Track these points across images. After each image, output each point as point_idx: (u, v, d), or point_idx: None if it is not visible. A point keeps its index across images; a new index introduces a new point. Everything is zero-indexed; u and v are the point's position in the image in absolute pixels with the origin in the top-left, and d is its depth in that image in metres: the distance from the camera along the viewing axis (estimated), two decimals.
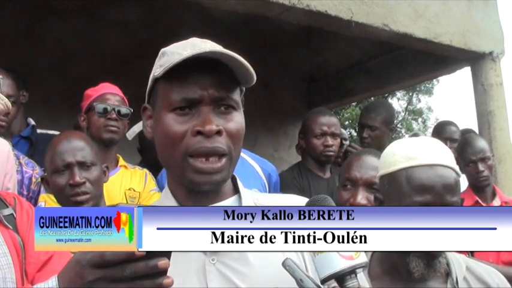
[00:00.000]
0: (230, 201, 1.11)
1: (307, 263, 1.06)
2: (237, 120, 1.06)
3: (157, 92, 1.08)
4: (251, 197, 1.14)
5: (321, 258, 0.93)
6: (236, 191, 1.14)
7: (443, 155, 1.38)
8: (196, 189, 1.06)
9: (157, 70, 1.06)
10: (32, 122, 3.07)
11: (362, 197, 1.81)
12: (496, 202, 3.12)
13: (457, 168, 1.41)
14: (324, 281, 0.93)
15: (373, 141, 3.35)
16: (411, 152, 1.39)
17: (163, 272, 0.80)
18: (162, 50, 1.11)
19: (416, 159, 1.37)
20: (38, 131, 3.04)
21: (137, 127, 2.95)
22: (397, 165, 1.40)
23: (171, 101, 1.03)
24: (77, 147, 1.99)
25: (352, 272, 0.92)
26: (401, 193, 1.37)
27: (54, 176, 1.97)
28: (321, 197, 0.99)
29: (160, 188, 2.55)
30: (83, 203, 1.94)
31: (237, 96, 1.07)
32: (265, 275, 1.02)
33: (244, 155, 2.67)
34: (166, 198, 1.12)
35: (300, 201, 1.18)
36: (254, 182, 2.55)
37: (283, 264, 0.94)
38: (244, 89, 1.13)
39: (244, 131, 1.09)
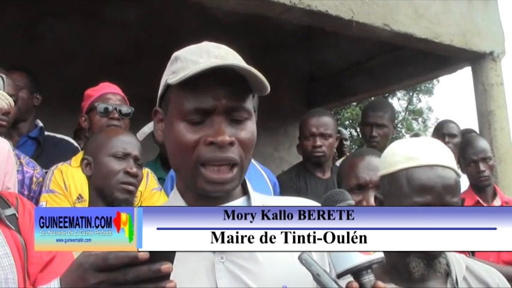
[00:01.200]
0: (239, 202, 1.11)
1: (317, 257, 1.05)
2: (249, 129, 1.06)
3: (170, 98, 1.08)
4: (259, 199, 1.15)
5: (338, 253, 0.92)
6: (245, 192, 1.14)
7: (443, 156, 1.38)
8: (206, 195, 1.06)
9: (170, 77, 1.06)
10: (40, 123, 3.08)
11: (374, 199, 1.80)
12: (497, 202, 3.12)
13: (457, 169, 1.40)
14: (340, 275, 0.93)
15: (382, 139, 3.33)
16: (412, 152, 1.39)
17: (166, 276, 0.80)
18: (175, 54, 1.10)
19: (416, 159, 1.37)
20: (46, 133, 3.04)
21: (147, 128, 2.96)
22: (398, 165, 1.39)
23: (184, 110, 1.03)
24: (136, 143, 2.11)
25: (368, 267, 0.91)
26: (402, 193, 1.37)
27: (110, 159, 2.02)
28: (337, 191, 0.99)
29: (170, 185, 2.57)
30: (130, 193, 2.01)
31: (249, 104, 1.07)
32: (274, 274, 1.02)
33: (255, 163, 2.77)
34: (175, 200, 1.12)
35: (306, 202, 1.18)
36: (264, 190, 2.62)
37: (299, 258, 0.93)
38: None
39: (256, 137, 1.09)
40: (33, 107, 3.04)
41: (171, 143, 1.06)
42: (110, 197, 2.00)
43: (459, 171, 1.43)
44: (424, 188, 1.34)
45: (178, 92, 1.04)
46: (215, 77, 1.01)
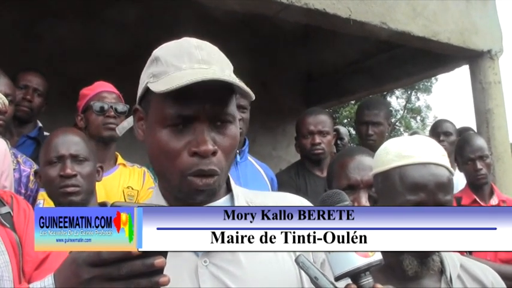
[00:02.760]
0: (222, 201, 1.11)
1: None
2: (232, 134, 1.05)
3: (150, 101, 1.05)
4: (243, 195, 1.14)
5: (336, 255, 0.92)
6: (229, 190, 1.14)
7: (436, 154, 1.38)
8: (189, 201, 1.05)
9: (150, 80, 1.04)
10: (39, 123, 3.10)
11: (366, 200, 1.78)
12: (494, 200, 3.13)
13: (450, 167, 1.40)
14: (338, 278, 0.92)
15: (379, 137, 3.33)
16: (404, 150, 1.39)
17: (159, 271, 0.80)
18: (155, 54, 1.08)
19: (409, 157, 1.37)
20: (45, 133, 3.05)
21: (127, 123, 2.95)
22: (391, 163, 1.39)
23: (166, 116, 1.01)
24: (71, 141, 2.01)
25: (367, 269, 0.91)
26: (395, 192, 1.37)
27: (46, 168, 1.98)
28: (334, 192, 0.98)
29: None
30: (71, 195, 1.94)
31: (233, 107, 1.05)
32: (257, 278, 1.02)
33: (252, 160, 2.82)
34: (158, 200, 1.11)
35: (293, 198, 1.19)
36: (261, 186, 2.66)
37: (297, 261, 0.93)
38: None
39: (238, 139, 1.08)
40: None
41: (153, 148, 1.04)
42: (57, 203, 1.99)
43: (453, 169, 1.43)
44: (417, 186, 1.34)
45: (159, 97, 1.01)
46: (198, 83, 0.98)
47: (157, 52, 1.08)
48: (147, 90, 1.06)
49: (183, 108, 0.99)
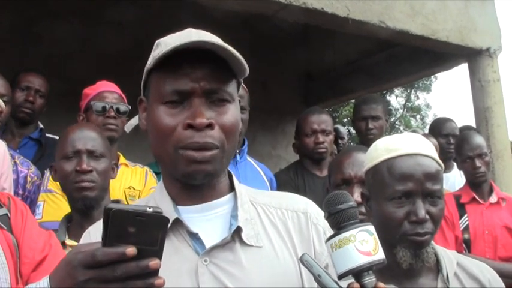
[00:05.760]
0: (225, 199, 1.10)
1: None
2: (231, 112, 1.04)
3: (150, 84, 1.07)
4: (247, 194, 1.13)
5: (339, 253, 0.92)
6: (232, 188, 1.13)
7: (423, 146, 1.42)
8: (190, 182, 1.04)
9: (150, 61, 1.05)
10: (40, 125, 3.09)
11: (358, 194, 1.80)
12: (493, 198, 3.12)
13: (438, 159, 1.43)
14: (341, 276, 0.93)
15: (378, 131, 3.33)
16: (392, 144, 1.43)
17: (154, 272, 0.80)
18: (158, 41, 1.10)
19: (396, 150, 1.40)
20: (47, 134, 3.05)
21: (134, 120, 2.96)
22: (379, 158, 1.43)
23: (163, 93, 1.02)
24: (88, 136, 2.02)
25: (369, 268, 0.91)
26: (384, 184, 1.39)
27: (62, 162, 1.98)
28: (338, 193, 0.98)
29: None
30: (86, 190, 1.94)
31: (231, 88, 1.05)
32: (258, 279, 1.01)
33: (251, 160, 2.83)
34: (161, 195, 1.10)
35: (296, 198, 1.18)
36: (261, 186, 2.67)
37: (301, 259, 0.94)
38: (241, 81, 1.11)
39: (240, 123, 1.07)
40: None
41: (152, 128, 1.05)
42: (71, 197, 2.00)
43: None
44: (404, 176, 1.36)
45: (158, 76, 1.03)
46: (194, 59, 1.00)
47: (159, 39, 1.10)
48: (148, 75, 1.07)
49: (179, 84, 1.01)
